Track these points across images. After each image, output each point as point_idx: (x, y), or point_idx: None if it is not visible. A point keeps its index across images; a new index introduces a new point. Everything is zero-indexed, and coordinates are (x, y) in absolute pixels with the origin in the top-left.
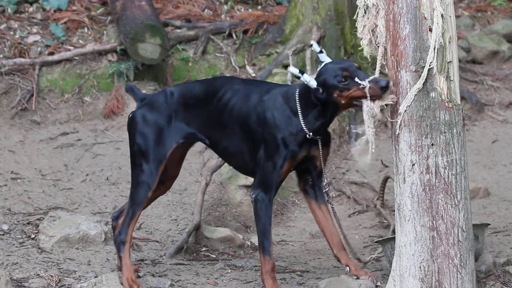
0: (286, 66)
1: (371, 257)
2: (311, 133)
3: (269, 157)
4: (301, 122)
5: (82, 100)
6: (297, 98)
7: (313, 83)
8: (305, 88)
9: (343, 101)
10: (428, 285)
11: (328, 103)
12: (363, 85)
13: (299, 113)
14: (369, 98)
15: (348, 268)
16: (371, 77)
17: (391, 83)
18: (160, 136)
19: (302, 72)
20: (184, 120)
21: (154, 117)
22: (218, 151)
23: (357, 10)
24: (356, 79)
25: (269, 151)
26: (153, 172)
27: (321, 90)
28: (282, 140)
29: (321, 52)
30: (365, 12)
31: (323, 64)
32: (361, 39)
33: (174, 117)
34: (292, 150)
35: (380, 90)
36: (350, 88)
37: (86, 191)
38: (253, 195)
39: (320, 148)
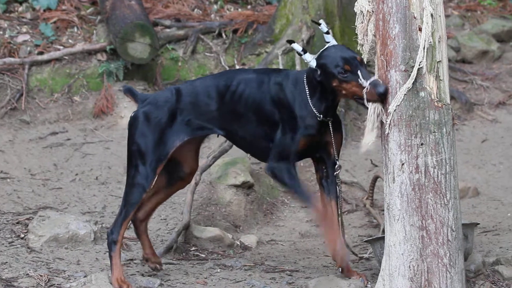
0: (291, 42)
1: (363, 256)
2: (321, 115)
3: (285, 133)
4: (310, 103)
5: (71, 99)
6: (305, 80)
7: (313, 64)
8: (310, 71)
9: (341, 91)
10: (418, 284)
11: (326, 87)
12: (363, 85)
13: (308, 95)
14: (365, 100)
15: (341, 269)
16: (372, 79)
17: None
18: (162, 135)
19: (304, 50)
20: (191, 116)
21: (156, 116)
22: (235, 140)
23: (356, 16)
24: (357, 76)
25: (285, 128)
26: (149, 174)
27: (319, 72)
28: (299, 117)
29: (327, 33)
30: (363, 19)
31: (327, 46)
32: (362, 45)
33: (179, 115)
34: (308, 126)
35: (377, 96)
36: (349, 83)
37: (76, 191)
38: (268, 170)
39: (332, 132)
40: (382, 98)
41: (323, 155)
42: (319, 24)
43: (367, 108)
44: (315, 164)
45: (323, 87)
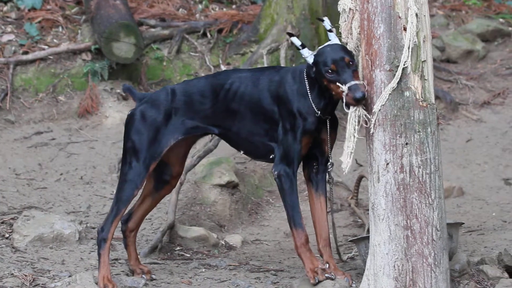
0: (290, 34)
1: (348, 256)
2: (319, 112)
3: (287, 131)
4: (310, 99)
5: (56, 99)
6: (305, 76)
7: (310, 60)
8: (308, 67)
9: (332, 91)
10: (402, 284)
11: (321, 84)
12: (342, 88)
13: (308, 91)
14: (344, 103)
15: (328, 265)
16: (352, 82)
17: (366, 95)
18: (156, 134)
19: (303, 45)
20: (186, 116)
21: (152, 115)
22: (228, 138)
23: (340, 15)
24: (340, 78)
25: (287, 125)
26: (142, 171)
27: (314, 69)
28: (298, 113)
29: (330, 31)
30: (346, 17)
31: (326, 44)
32: (347, 43)
33: (174, 114)
34: (309, 123)
35: (353, 100)
36: (334, 83)
37: (60, 191)
38: (276, 172)
39: (328, 130)
40: (359, 103)
41: (316, 152)
42: (323, 21)
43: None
44: (304, 160)
45: (319, 83)
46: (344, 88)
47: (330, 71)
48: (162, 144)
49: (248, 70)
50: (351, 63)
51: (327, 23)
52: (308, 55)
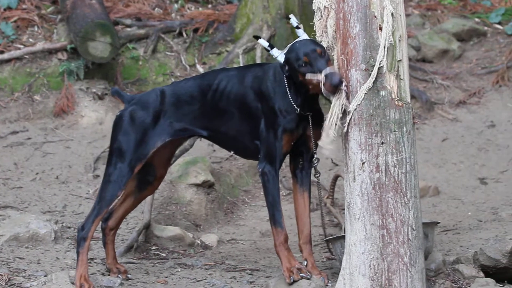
0: (257, 37)
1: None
2: (298, 109)
3: (269, 128)
4: (289, 96)
5: (32, 98)
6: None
7: (281, 59)
8: (280, 66)
9: (308, 85)
10: (378, 283)
11: (296, 81)
12: (317, 78)
13: (287, 88)
14: (323, 91)
15: (306, 262)
16: (327, 70)
17: (343, 81)
18: (144, 136)
19: (271, 46)
20: (174, 118)
21: (141, 116)
22: (217, 139)
23: (315, 13)
24: (314, 68)
25: (268, 122)
26: (126, 173)
27: (286, 67)
28: (279, 110)
29: (297, 27)
30: (321, 15)
31: (295, 40)
32: (321, 42)
33: (162, 116)
34: (289, 120)
35: (331, 87)
36: (309, 76)
37: (36, 190)
38: (260, 169)
39: (311, 126)
40: (337, 88)
41: (302, 149)
42: (289, 19)
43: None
44: (291, 156)
45: (294, 81)
46: (320, 76)
47: (303, 64)
48: (149, 146)
49: (235, 69)
50: (323, 54)
51: (293, 20)
52: (278, 54)
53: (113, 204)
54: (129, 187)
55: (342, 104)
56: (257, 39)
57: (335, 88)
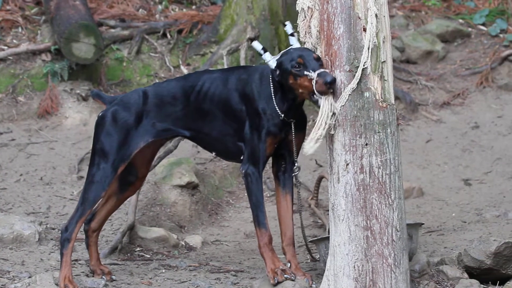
0: (251, 39)
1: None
2: (282, 115)
3: (253, 129)
4: (274, 102)
5: (16, 100)
6: (270, 78)
7: (273, 64)
8: (271, 71)
9: (298, 89)
10: (362, 284)
11: (285, 87)
12: (311, 76)
13: (272, 93)
14: (315, 91)
15: (289, 264)
16: (321, 70)
17: (337, 80)
18: (127, 136)
19: (264, 49)
20: (156, 118)
21: (123, 117)
22: (200, 139)
23: (298, 14)
24: (307, 69)
25: (252, 124)
26: (110, 173)
27: (277, 72)
28: (263, 111)
29: (292, 35)
30: (305, 16)
31: (289, 48)
32: (305, 43)
33: (145, 117)
34: (273, 124)
35: (325, 86)
36: (302, 77)
37: (20, 191)
38: (243, 170)
39: (293, 132)
40: (331, 87)
41: (284, 151)
42: (285, 25)
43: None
44: (273, 158)
45: (283, 87)
46: (313, 75)
47: (297, 65)
48: (131, 146)
49: (218, 71)
50: (318, 59)
51: (289, 28)
52: (270, 59)
53: (96, 205)
54: (111, 188)
55: (331, 104)
56: (251, 42)
57: (328, 86)
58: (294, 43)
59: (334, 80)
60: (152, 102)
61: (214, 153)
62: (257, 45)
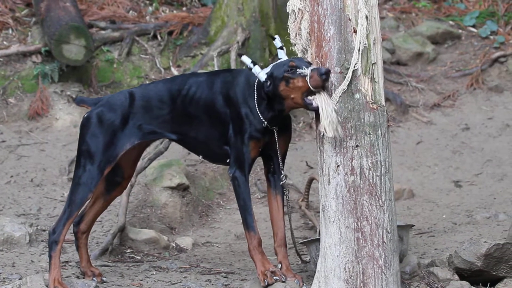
0: (240, 54)
1: (304, 260)
2: (265, 122)
3: (236, 133)
4: (257, 110)
5: (6, 101)
6: (255, 86)
7: (262, 76)
8: (260, 84)
9: (290, 95)
10: (353, 286)
11: (275, 97)
12: (304, 73)
13: (255, 101)
14: (310, 87)
15: (280, 265)
16: (313, 66)
17: (331, 72)
18: (112, 138)
19: (254, 63)
20: (143, 121)
21: (109, 118)
22: (187, 143)
23: (289, 16)
24: (300, 68)
25: (236, 128)
26: (96, 175)
27: (268, 83)
28: (246, 115)
29: (281, 48)
30: (295, 18)
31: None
32: (295, 44)
33: (131, 118)
34: (255, 130)
35: (320, 78)
36: (295, 78)
37: (11, 193)
38: (231, 174)
39: (277, 140)
40: (326, 79)
41: (270, 153)
42: (274, 39)
43: (316, 109)
44: (263, 160)
45: (271, 98)
46: (307, 71)
47: (289, 68)
48: (117, 148)
49: (204, 74)
50: (310, 63)
51: (278, 41)
52: (259, 71)
53: (83, 206)
54: (98, 189)
55: (328, 102)
56: (240, 57)
57: (323, 78)
58: (283, 56)
59: (329, 71)
60: (138, 104)
61: (201, 156)
62: (246, 60)
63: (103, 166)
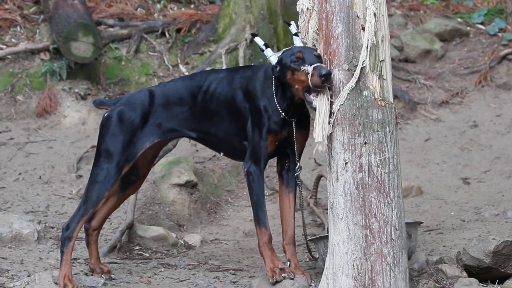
0: (254, 34)
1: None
2: (283, 113)
3: (254, 127)
4: (275, 99)
5: (14, 99)
6: (273, 76)
7: (274, 60)
8: (271, 67)
9: (294, 85)
10: (361, 283)
11: (284, 84)
12: (307, 70)
13: (273, 91)
14: (310, 85)
15: (289, 263)
16: (317, 64)
17: (332, 74)
18: (132, 137)
19: (266, 45)
20: (162, 119)
21: (130, 117)
22: (207, 140)
23: (299, 15)
24: (305, 63)
25: (254, 122)
26: (114, 174)
27: (278, 68)
28: (264, 109)
29: (296, 34)
30: (304, 17)
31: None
32: (305, 43)
33: (151, 117)
34: (273, 122)
35: (319, 79)
36: (298, 70)
37: (19, 190)
38: (245, 168)
39: (294, 131)
40: (325, 81)
41: (288, 150)
42: (290, 25)
43: (315, 108)
44: (277, 157)
45: (282, 84)
46: (309, 68)
47: (296, 59)
48: (137, 147)
49: (224, 71)
50: (319, 56)
51: (293, 27)
52: (271, 55)
53: (98, 205)
54: (113, 187)
55: (327, 103)
56: (253, 37)
57: (323, 79)
58: (298, 42)
59: (329, 74)
60: (158, 102)
61: (222, 153)
62: (259, 41)
63: (122, 165)
